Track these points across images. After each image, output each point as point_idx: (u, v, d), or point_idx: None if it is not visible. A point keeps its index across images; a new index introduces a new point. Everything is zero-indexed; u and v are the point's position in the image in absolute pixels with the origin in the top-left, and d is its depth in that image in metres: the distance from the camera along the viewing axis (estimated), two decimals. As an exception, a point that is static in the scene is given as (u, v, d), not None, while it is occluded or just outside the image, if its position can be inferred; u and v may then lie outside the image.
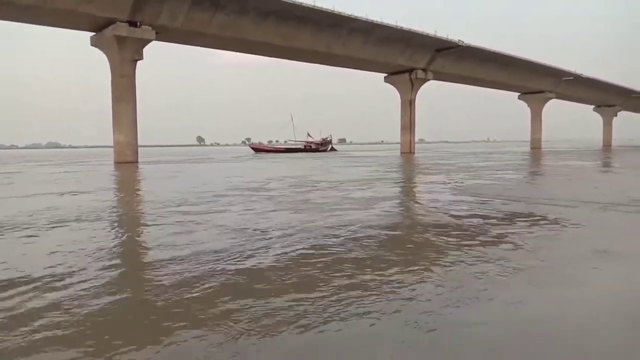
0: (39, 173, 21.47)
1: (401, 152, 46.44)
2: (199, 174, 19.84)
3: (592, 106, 77.39)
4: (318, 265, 4.23)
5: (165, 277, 3.90)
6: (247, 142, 69.68)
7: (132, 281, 3.92)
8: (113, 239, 5.79)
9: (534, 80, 55.44)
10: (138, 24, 27.58)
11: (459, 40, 42.36)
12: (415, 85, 45.51)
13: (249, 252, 4.75)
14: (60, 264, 4.32)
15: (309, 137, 65.76)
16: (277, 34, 33.05)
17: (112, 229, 6.62)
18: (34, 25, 29.30)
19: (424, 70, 44.64)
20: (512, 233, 5.69)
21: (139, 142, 30.73)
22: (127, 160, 28.85)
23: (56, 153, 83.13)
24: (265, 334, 2.71)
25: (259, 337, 2.68)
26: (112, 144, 30.50)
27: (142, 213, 8.35)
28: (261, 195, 10.40)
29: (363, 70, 45.46)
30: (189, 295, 3.42)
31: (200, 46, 35.63)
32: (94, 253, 4.80)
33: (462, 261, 4.33)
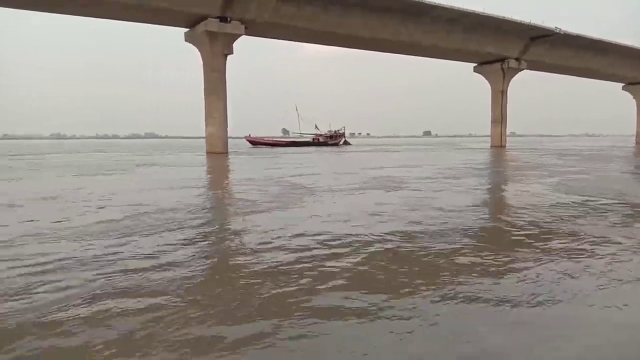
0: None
1: (491, 146, 44.32)
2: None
3: None
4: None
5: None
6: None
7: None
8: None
9: (640, 69, 50.38)
10: (228, 19, 28.49)
11: (555, 27, 39.52)
12: (507, 75, 43.09)
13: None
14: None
15: (317, 130, 59.48)
16: (362, 26, 32.68)
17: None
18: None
19: (517, 59, 42.12)
20: None
21: (229, 134, 31.82)
22: (217, 151, 30.03)
23: (173, 144, 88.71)
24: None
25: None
26: (203, 135, 31.95)
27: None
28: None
29: (450, 59, 43.80)
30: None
31: (286, 39, 36.12)
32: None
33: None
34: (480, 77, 45.26)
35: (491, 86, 44.60)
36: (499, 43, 39.62)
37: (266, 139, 55.06)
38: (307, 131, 58.85)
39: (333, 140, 56.22)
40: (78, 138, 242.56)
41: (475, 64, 44.79)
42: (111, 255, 4.48)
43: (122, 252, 4.60)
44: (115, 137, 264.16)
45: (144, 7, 26.19)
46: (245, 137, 53.22)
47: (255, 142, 51.54)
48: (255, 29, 30.76)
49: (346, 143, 58.73)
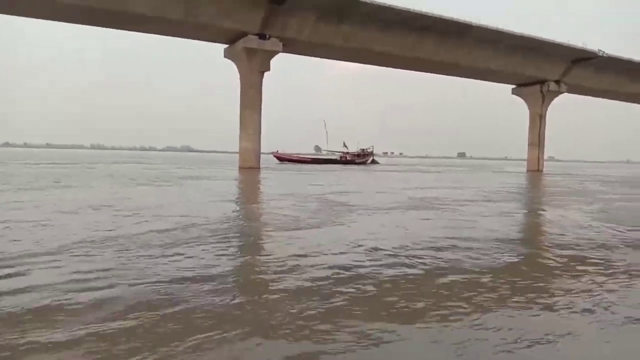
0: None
1: (527, 170, 43.29)
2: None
3: None
4: None
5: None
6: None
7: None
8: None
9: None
10: (267, 36, 28.96)
11: (598, 50, 38.65)
12: (546, 98, 42.23)
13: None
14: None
15: (344, 148, 57.94)
16: (400, 45, 32.68)
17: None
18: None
19: (557, 82, 41.28)
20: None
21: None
22: (250, 165, 30.25)
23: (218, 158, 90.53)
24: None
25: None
26: (233, 150, 32.18)
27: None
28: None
29: (488, 81, 43.24)
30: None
31: (322, 57, 36.47)
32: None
33: None
34: (515, 98, 44.59)
35: (529, 109, 43.72)
36: (539, 65, 38.91)
37: (293, 155, 54.88)
38: (336, 149, 58.62)
39: (361, 158, 55.64)
40: (117, 149, 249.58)
41: (513, 86, 44.17)
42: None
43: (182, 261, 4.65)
44: (152, 148, 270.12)
45: (188, 24, 27.02)
46: (273, 153, 53.04)
47: (281, 158, 51.44)
48: (293, 47, 31.16)
49: (374, 162, 58.33)
